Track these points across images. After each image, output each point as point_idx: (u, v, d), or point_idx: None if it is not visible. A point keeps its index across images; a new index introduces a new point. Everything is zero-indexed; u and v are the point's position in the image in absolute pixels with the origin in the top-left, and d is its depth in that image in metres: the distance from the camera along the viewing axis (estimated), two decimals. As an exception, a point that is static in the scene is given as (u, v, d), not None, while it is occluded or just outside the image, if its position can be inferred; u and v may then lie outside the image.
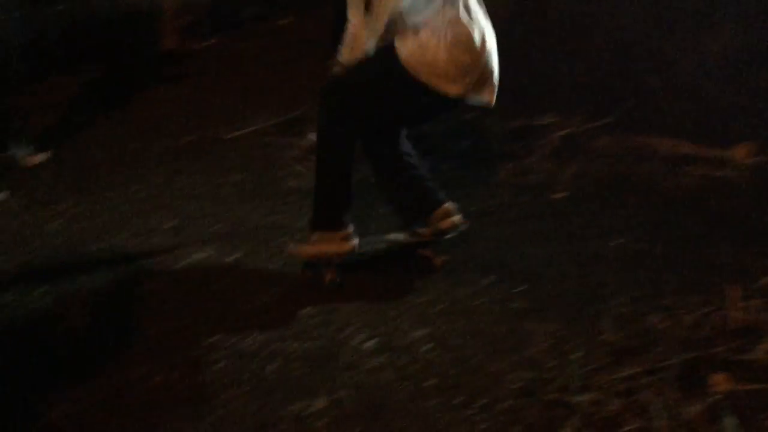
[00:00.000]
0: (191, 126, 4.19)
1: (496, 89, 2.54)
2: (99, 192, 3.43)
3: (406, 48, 2.41)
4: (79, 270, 2.83)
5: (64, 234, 3.07)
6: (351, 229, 2.67)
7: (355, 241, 2.68)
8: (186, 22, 5.55)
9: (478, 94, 2.50)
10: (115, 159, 3.80)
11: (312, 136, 2.85)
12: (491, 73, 2.50)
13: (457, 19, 2.38)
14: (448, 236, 2.73)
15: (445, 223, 2.72)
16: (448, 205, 2.73)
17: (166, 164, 3.72)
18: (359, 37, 2.54)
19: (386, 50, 2.47)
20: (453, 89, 2.43)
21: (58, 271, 2.82)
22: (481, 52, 2.43)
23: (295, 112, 4.44)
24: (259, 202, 3.39)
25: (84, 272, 2.81)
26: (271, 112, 4.43)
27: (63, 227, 3.12)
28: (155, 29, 5.48)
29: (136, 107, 4.44)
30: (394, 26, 2.42)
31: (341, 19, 2.61)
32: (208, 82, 4.92)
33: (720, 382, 2.02)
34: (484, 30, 2.46)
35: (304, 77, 5.07)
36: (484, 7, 2.53)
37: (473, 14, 2.43)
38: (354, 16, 2.54)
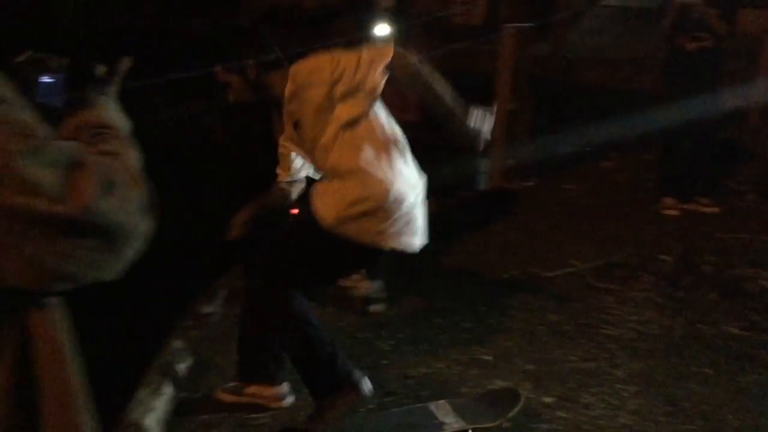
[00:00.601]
0: (512, 262, 4.41)
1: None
2: (430, 318, 3.74)
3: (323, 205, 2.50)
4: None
5: (393, 355, 3.38)
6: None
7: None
8: (511, 162, 5.93)
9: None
10: (444, 288, 4.12)
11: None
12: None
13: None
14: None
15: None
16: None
17: (485, 296, 3.95)
18: (286, 157, 2.68)
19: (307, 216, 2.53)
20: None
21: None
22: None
23: (616, 257, 4.47)
24: (575, 346, 3.44)
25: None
26: (592, 254, 4.51)
27: (393, 347, 3.44)
28: (482, 168, 5.93)
29: (460, 239, 4.80)
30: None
31: None
32: (529, 221, 5.17)
33: None
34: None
35: (625, 221, 5.09)
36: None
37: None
38: (284, 138, 2.68)
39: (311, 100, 2.49)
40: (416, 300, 3.89)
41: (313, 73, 2.51)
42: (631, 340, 3.51)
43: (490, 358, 3.35)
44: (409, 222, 2.54)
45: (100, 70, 1.14)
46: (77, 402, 1.01)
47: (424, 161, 3.84)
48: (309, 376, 2.67)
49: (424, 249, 4.47)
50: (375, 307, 3.74)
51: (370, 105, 2.49)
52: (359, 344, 3.43)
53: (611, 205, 5.47)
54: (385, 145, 2.52)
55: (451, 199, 5.50)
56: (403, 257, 2.45)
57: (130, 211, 0.95)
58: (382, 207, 2.46)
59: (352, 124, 2.47)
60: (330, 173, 2.55)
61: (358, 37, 3.16)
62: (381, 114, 2.56)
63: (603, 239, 4.79)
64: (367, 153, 2.47)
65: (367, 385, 2.69)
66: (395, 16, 3.60)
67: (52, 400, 0.96)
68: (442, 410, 2.76)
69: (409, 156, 2.63)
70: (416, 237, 2.61)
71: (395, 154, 2.54)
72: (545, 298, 3.94)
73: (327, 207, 2.48)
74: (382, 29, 3.45)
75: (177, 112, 6.10)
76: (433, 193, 5.11)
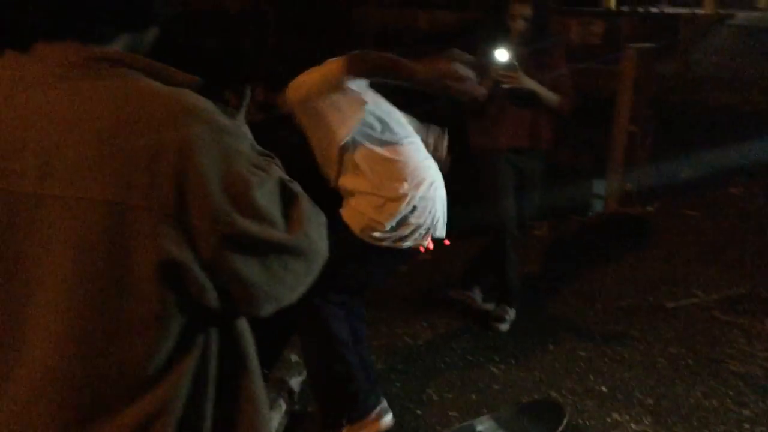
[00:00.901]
0: (631, 290, 4.31)
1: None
2: (545, 344, 3.71)
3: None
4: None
5: (505, 380, 3.39)
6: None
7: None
8: (630, 186, 5.80)
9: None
10: (559, 315, 4.07)
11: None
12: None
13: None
14: None
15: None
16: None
17: (603, 325, 3.88)
18: None
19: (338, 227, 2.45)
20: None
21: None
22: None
23: (743, 289, 4.29)
24: (698, 381, 3.32)
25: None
26: (716, 284, 4.35)
27: (505, 372, 3.44)
28: (599, 191, 5.83)
29: (575, 265, 4.73)
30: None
31: None
32: (649, 248, 5.02)
33: None
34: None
35: (753, 251, 4.88)
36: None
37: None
38: None
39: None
40: (530, 325, 3.87)
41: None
42: (759, 378, 3.36)
43: (606, 389, 3.29)
44: (427, 225, 2.57)
45: (227, 95, 1.23)
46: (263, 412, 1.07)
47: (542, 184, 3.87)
48: (328, 394, 2.66)
49: (538, 273, 4.52)
50: (501, 325, 3.76)
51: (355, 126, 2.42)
52: (470, 367, 3.44)
53: (738, 233, 5.24)
54: (387, 163, 2.49)
55: (565, 224, 5.44)
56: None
57: (323, 236, 1.03)
58: (395, 224, 2.51)
59: (346, 146, 2.46)
60: (341, 191, 2.60)
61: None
62: (374, 130, 2.49)
63: (728, 269, 4.60)
64: (370, 176, 2.48)
65: (387, 418, 2.71)
66: (525, 39, 3.60)
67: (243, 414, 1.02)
68: (488, 426, 2.75)
69: (416, 158, 2.58)
70: (437, 231, 2.65)
71: (401, 168, 2.51)
72: (666, 330, 3.82)
73: (350, 221, 2.54)
74: (501, 54, 3.47)
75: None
76: (546, 217, 5.15)
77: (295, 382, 3.16)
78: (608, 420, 3.03)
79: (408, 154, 2.53)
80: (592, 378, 3.37)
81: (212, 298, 0.91)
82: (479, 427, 2.81)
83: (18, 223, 0.88)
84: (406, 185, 2.49)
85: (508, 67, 3.48)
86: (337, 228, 2.51)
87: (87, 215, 0.86)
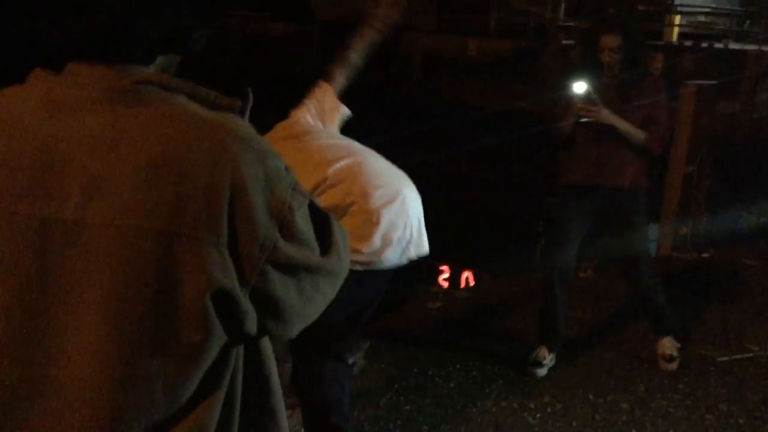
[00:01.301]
0: (680, 341, 4.19)
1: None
2: (585, 393, 3.62)
3: None
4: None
5: (540, 429, 3.32)
6: None
7: None
8: (684, 230, 5.69)
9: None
10: (599, 363, 3.97)
11: None
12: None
13: None
14: None
15: None
16: None
17: (648, 376, 3.78)
18: None
19: None
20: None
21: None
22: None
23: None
24: (748, 444, 3.21)
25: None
26: (771, 339, 4.21)
27: (541, 420, 3.37)
28: (651, 235, 5.72)
29: (621, 310, 4.63)
30: None
31: None
32: (702, 296, 4.89)
33: None
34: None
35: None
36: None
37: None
38: None
39: None
40: (569, 372, 3.79)
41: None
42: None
43: (647, 446, 3.20)
44: (403, 241, 2.50)
45: (270, 120, 1.23)
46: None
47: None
48: None
49: (581, 318, 4.44)
50: (538, 371, 3.71)
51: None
52: (503, 413, 3.37)
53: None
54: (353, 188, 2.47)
55: (612, 267, 5.34)
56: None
57: (348, 253, 1.06)
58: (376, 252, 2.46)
59: None
60: None
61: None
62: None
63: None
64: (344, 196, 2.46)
65: None
66: (615, 73, 3.56)
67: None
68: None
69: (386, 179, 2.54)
70: (414, 247, 2.56)
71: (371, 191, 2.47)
72: (717, 385, 3.70)
73: None
74: (580, 87, 3.46)
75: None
76: (592, 260, 5.07)
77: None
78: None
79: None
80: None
81: (253, 322, 0.94)
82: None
83: (53, 250, 0.88)
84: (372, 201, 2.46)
85: (586, 99, 3.45)
86: None
87: (134, 243, 0.86)
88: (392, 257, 2.48)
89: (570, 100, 3.52)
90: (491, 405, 3.44)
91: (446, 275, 5.50)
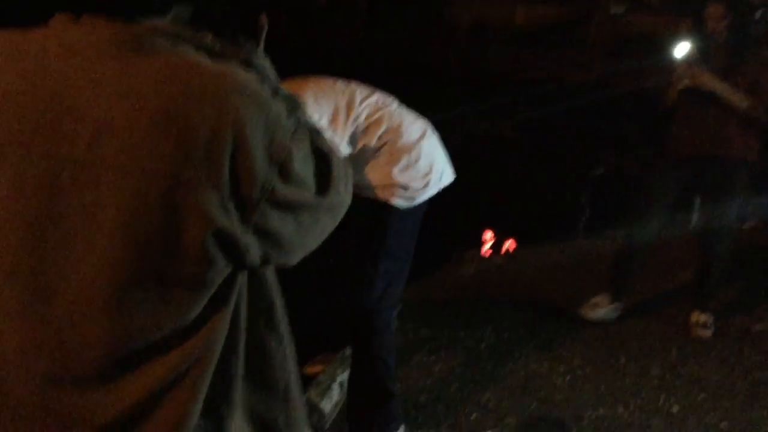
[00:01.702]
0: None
1: None
2: (616, 357, 3.74)
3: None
4: None
5: (568, 392, 3.45)
6: None
7: None
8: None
9: None
10: (632, 327, 4.07)
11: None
12: None
13: None
14: None
15: None
16: None
17: (682, 343, 3.86)
18: None
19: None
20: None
21: None
22: None
23: None
24: (777, 409, 3.29)
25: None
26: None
27: (570, 383, 3.48)
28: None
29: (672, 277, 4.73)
30: None
31: None
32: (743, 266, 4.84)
33: None
34: None
35: None
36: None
37: None
38: None
39: None
40: (601, 335, 3.90)
41: None
42: None
43: (677, 410, 3.29)
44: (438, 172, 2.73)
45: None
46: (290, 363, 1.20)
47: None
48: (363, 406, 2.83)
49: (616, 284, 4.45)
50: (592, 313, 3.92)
51: None
52: (533, 375, 3.50)
53: None
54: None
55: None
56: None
57: (349, 188, 1.17)
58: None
59: None
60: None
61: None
62: None
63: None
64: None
65: None
66: (721, 40, 3.63)
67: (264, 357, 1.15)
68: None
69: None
70: (445, 176, 2.78)
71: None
72: (751, 353, 3.77)
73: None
74: (681, 49, 3.52)
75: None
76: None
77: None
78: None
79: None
80: (663, 397, 3.37)
81: (255, 255, 1.02)
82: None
83: (61, 186, 0.95)
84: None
85: (688, 62, 3.51)
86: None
87: (140, 184, 0.94)
88: (432, 189, 2.71)
89: (673, 66, 3.57)
90: (520, 367, 3.56)
91: (487, 241, 5.59)
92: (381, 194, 2.64)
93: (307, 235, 1.10)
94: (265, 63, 1.14)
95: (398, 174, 2.61)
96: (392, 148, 2.62)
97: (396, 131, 2.62)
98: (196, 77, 0.98)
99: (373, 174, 2.63)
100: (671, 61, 3.60)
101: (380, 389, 2.80)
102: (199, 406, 1.01)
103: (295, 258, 1.12)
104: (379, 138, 2.60)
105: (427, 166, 2.66)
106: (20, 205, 0.97)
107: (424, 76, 9.48)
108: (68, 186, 0.95)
